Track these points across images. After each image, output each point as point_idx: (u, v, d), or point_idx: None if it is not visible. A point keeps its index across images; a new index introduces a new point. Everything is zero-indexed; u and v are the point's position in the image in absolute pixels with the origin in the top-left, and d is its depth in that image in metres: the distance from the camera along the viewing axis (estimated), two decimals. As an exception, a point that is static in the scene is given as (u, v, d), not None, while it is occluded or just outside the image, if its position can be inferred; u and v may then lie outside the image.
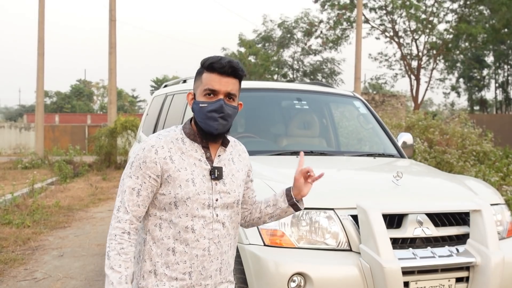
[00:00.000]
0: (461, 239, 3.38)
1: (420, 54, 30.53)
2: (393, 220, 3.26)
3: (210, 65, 2.11)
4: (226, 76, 2.10)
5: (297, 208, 2.35)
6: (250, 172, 2.38)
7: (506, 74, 38.38)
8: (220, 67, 2.09)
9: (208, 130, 2.11)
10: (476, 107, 41.46)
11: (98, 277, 5.50)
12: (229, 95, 2.12)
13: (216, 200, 2.14)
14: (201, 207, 2.11)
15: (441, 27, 37.78)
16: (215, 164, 2.17)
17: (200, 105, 2.11)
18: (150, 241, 2.13)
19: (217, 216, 2.14)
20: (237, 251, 3.24)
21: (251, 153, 4.28)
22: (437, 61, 31.93)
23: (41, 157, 19.45)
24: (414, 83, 30.68)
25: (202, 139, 2.16)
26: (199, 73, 2.17)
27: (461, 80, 39.10)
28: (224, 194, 2.16)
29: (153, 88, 54.97)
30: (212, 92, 2.10)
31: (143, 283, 2.14)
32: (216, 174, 2.14)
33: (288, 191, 2.35)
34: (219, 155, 2.20)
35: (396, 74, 33.25)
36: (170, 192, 2.09)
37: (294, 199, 2.32)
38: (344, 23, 31.06)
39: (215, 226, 2.14)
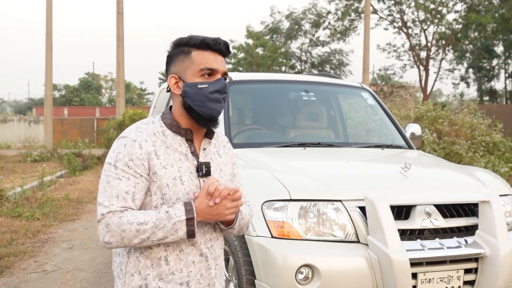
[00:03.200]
0: (470, 230, 3.36)
1: (429, 44, 30.38)
2: (401, 212, 3.25)
3: (203, 42, 1.89)
4: (219, 53, 1.92)
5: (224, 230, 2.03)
6: (235, 165, 2.13)
7: (515, 64, 38.09)
8: (215, 44, 1.90)
9: (210, 114, 1.88)
10: (486, 98, 41.18)
11: (107, 269, 5.53)
12: (224, 75, 1.93)
13: None
14: None
15: (450, 17, 37.60)
16: (201, 159, 1.94)
17: (199, 86, 1.87)
18: (136, 252, 1.88)
19: None
20: (245, 243, 3.25)
21: (259, 144, 4.30)
22: (446, 52, 31.76)
23: (50, 150, 19.58)
24: (423, 73, 30.57)
25: (186, 131, 1.93)
26: (182, 53, 1.92)
27: (470, 70, 38.84)
28: None
29: (161, 81, 55.03)
30: (211, 72, 1.89)
31: None
32: (204, 170, 1.92)
33: None
34: (204, 149, 1.98)
35: (405, 64, 33.15)
36: (156, 193, 1.86)
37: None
38: (352, 14, 30.95)
39: (206, 228, 1.94)
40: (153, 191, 1.86)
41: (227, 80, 1.98)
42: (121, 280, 1.91)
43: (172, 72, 1.94)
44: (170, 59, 1.95)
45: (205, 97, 1.87)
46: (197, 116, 1.90)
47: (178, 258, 1.88)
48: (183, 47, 1.92)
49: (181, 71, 1.91)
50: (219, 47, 1.90)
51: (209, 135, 1.99)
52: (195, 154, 1.94)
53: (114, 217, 1.77)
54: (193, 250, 1.90)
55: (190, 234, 1.81)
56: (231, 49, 1.98)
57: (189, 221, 1.79)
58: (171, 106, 1.98)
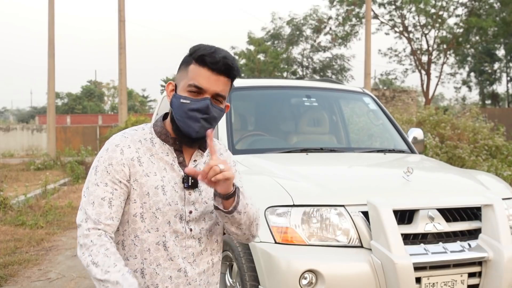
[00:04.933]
0: (473, 234, 3.36)
1: (430, 48, 30.42)
2: (404, 216, 3.25)
3: (201, 58, 1.76)
4: (217, 73, 1.76)
5: (222, 212, 1.82)
6: (235, 172, 1.98)
7: (517, 67, 38.09)
8: (212, 62, 1.74)
9: (187, 132, 1.79)
10: (488, 101, 41.16)
11: (111, 277, 5.53)
12: (217, 96, 1.79)
13: (190, 212, 1.83)
14: (173, 220, 1.80)
15: (451, 21, 37.61)
16: None
17: (182, 100, 1.77)
18: None
19: (191, 231, 1.84)
20: (249, 249, 3.26)
21: (261, 150, 4.31)
22: (448, 56, 31.80)
23: (53, 158, 19.62)
24: (425, 78, 30.58)
25: (175, 140, 1.85)
26: (185, 62, 1.82)
27: (472, 74, 38.85)
28: (200, 204, 1.86)
29: (163, 88, 55.07)
30: (198, 90, 1.77)
31: None
32: (190, 182, 1.82)
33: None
34: (195, 160, 1.88)
35: (406, 69, 33.19)
36: (136, 201, 1.79)
37: (215, 202, 1.81)
38: (353, 19, 31.02)
39: (188, 243, 1.84)
40: (132, 199, 1.79)
41: (223, 101, 1.83)
42: None
43: (174, 79, 1.90)
44: (179, 66, 1.87)
45: (184, 113, 1.77)
46: (176, 129, 1.82)
47: (154, 272, 1.80)
48: (188, 56, 1.82)
49: (178, 80, 1.84)
50: (216, 66, 1.75)
51: (203, 147, 1.90)
52: (183, 164, 1.85)
53: (93, 244, 1.73)
54: (171, 264, 1.81)
55: None
56: (239, 68, 1.83)
57: None
58: (164, 114, 1.91)
